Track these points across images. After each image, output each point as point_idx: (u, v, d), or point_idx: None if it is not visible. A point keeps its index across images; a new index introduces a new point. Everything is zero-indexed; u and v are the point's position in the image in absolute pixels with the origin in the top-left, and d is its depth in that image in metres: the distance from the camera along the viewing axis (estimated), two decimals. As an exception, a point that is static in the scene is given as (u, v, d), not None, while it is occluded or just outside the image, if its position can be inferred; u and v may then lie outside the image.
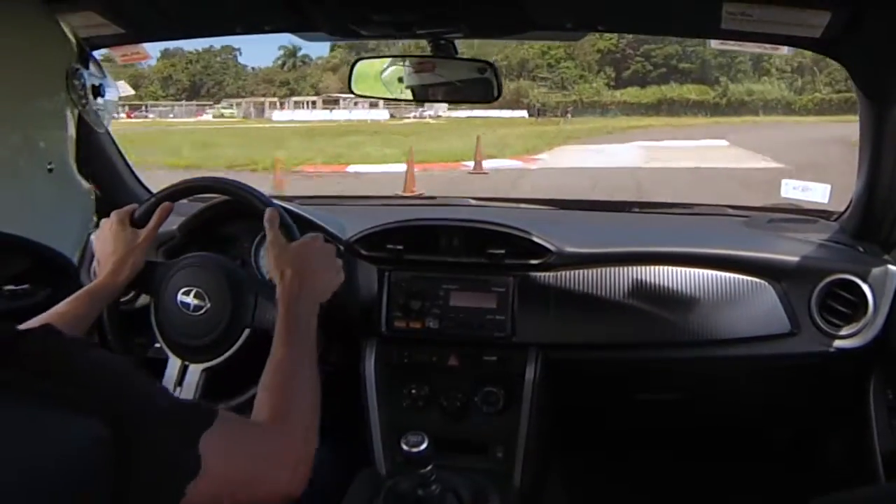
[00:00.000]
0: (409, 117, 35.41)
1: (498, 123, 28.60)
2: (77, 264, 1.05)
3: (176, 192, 1.35)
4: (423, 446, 1.19)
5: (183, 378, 1.32)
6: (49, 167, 0.81)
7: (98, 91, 0.94)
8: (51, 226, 0.80)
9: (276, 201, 1.39)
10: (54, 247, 0.79)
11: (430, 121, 32.72)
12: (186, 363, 1.32)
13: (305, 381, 1.03)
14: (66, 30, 0.89)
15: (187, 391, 1.30)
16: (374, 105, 37.21)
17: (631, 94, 43.29)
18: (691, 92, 41.98)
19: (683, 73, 44.05)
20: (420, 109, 35.99)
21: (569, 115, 37.47)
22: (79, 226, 0.87)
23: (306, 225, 1.48)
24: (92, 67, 0.97)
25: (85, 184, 0.88)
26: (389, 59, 1.39)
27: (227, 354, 1.31)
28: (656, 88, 43.02)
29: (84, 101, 0.90)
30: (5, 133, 0.75)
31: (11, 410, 0.64)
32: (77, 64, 0.88)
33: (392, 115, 36.90)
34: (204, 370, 1.32)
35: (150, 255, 1.34)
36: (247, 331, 1.31)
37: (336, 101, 41.22)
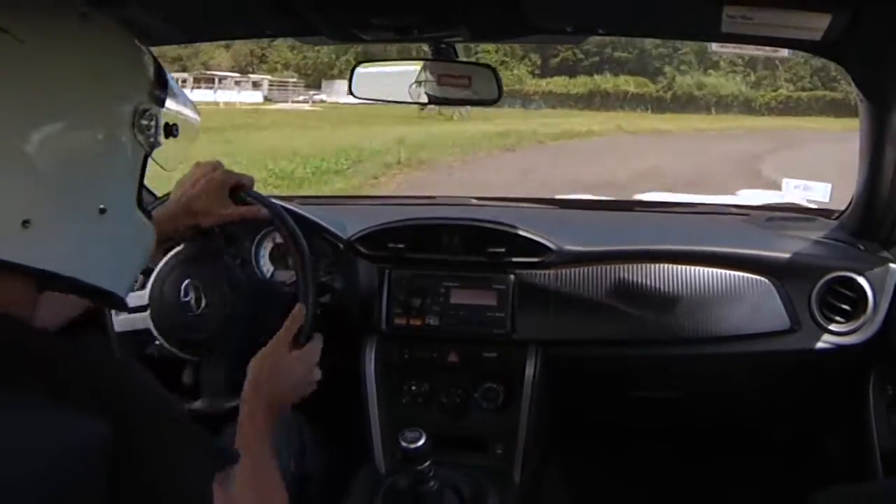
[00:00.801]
0: (286, 102, 30.69)
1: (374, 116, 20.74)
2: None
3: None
4: (421, 443, 1.20)
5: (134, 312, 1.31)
6: (101, 208, 0.77)
7: (171, 131, 0.85)
8: (103, 267, 0.79)
9: (276, 201, 1.40)
10: (105, 286, 0.79)
11: (307, 107, 28.66)
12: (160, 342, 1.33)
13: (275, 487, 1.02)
14: (144, 53, 0.83)
15: (125, 322, 1.32)
16: (257, 85, 33.32)
17: (558, 83, 38.18)
18: (629, 83, 37.04)
19: (619, 63, 39.56)
20: (311, 92, 31.70)
21: (468, 108, 29.33)
22: (134, 264, 0.85)
23: (307, 225, 1.49)
24: (169, 103, 0.86)
25: (146, 222, 0.85)
26: (421, 65, 1.38)
27: (184, 356, 1.31)
28: (587, 78, 38.26)
29: (152, 142, 0.83)
30: (48, 165, 0.72)
31: (13, 407, 0.65)
32: (148, 103, 0.81)
33: (267, 99, 32.32)
34: (151, 332, 1.31)
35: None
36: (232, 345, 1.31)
37: (211, 80, 37.43)
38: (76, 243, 0.76)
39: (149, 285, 1.33)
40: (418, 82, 1.41)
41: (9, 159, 0.71)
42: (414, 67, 1.39)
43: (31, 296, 0.77)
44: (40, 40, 0.74)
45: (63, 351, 0.73)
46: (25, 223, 0.71)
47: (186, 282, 1.32)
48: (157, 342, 1.35)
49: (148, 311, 1.32)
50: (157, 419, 0.76)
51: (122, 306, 0.85)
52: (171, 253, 1.35)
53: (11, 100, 0.71)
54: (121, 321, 1.32)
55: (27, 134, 0.71)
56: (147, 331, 1.34)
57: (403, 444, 1.21)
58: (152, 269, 1.34)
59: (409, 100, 1.44)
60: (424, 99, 1.42)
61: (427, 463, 1.23)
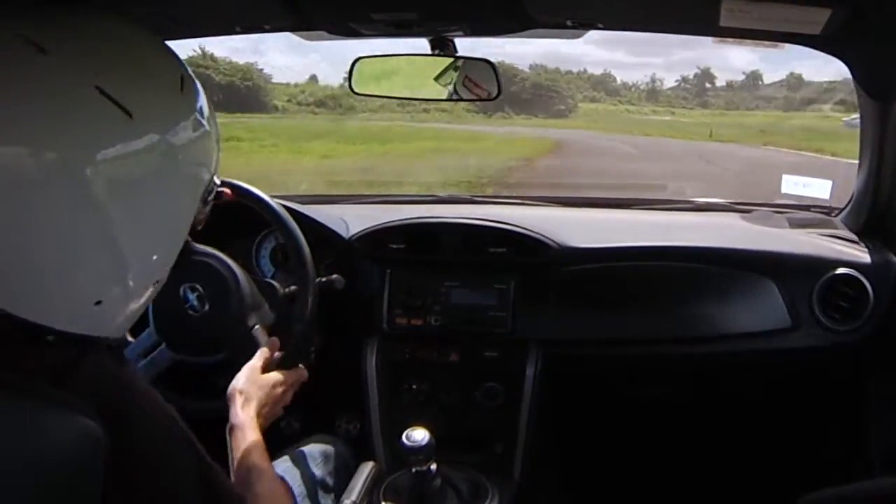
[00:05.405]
0: None
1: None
2: None
3: (237, 189, 1.35)
4: (424, 441, 1.20)
5: (151, 352, 1.33)
6: (157, 281, 0.78)
7: (219, 195, 0.87)
8: (130, 323, 0.79)
9: (279, 201, 1.40)
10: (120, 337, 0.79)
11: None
12: (159, 341, 1.34)
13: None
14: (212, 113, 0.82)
15: (149, 366, 1.32)
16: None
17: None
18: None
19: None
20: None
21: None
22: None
23: (308, 224, 1.49)
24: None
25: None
26: (446, 66, 1.39)
27: (201, 360, 1.32)
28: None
29: (206, 212, 0.83)
30: (133, 250, 0.73)
31: (7, 408, 0.65)
32: (215, 176, 0.81)
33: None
34: (176, 361, 1.33)
35: None
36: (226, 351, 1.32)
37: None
38: (131, 314, 0.77)
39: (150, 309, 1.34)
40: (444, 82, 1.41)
41: (101, 244, 0.70)
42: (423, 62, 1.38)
43: None
44: (148, 115, 0.72)
45: (67, 360, 0.72)
46: (98, 303, 0.72)
47: (185, 285, 1.32)
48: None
49: (163, 345, 1.34)
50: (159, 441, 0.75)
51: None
52: None
53: (112, 184, 0.69)
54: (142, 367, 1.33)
55: (125, 221, 0.71)
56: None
57: (406, 442, 1.20)
58: None
59: (412, 97, 1.44)
60: (434, 95, 1.41)
61: (430, 461, 1.23)
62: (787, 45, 1.36)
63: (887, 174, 1.54)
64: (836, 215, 1.77)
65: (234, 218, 1.51)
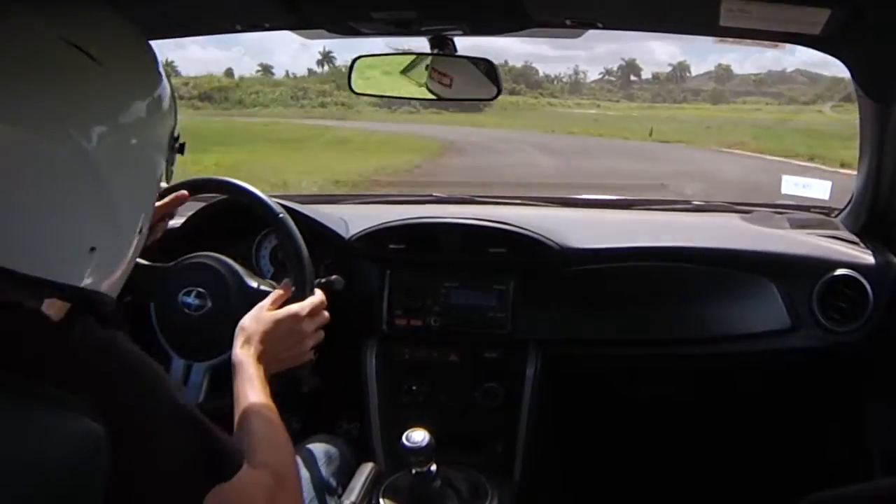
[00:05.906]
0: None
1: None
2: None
3: (195, 186, 1.34)
4: (424, 442, 1.20)
5: (188, 378, 1.32)
6: (140, 229, 0.80)
7: (182, 148, 0.90)
8: (122, 281, 0.81)
9: (279, 201, 1.40)
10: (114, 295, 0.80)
11: None
12: (190, 363, 1.33)
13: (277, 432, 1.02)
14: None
15: (192, 391, 1.31)
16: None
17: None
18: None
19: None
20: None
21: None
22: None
23: (307, 224, 1.49)
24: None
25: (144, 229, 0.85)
26: (414, 58, 1.39)
27: (229, 352, 1.32)
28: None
29: (172, 167, 0.87)
30: (120, 195, 0.75)
31: (10, 413, 0.65)
32: (175, 126, 0.86)
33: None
34: (208, 368, 1.32)
35: (146, 255, 1.33)
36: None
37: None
38: (123, 268, 0.79)
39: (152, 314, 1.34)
40: (410, 77, 1.41)
41: (92, 190, 0.73)
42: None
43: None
44: (116, 63, 0.75)
45: (67, 344, 0.72)
46: (92, 249, 0.74)
47: (180, 292, 1.32)
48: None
49: (193, 366, 1.33)
50: (154, 422, 0.74)
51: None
52: (173, 256, 1.36)
53: (97, 130, 0.73)
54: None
55: (108, 164, 0.73)
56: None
57: (406, 443, 1.20)
58: (154, 278, 1.34)
59: (412, 96, 1.44)
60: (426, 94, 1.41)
61: (429, 462, 1.22)
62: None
63: (887, 175, 1.55)
64: (835, 216, 1.77)
65: (233, 218, 1.51)
